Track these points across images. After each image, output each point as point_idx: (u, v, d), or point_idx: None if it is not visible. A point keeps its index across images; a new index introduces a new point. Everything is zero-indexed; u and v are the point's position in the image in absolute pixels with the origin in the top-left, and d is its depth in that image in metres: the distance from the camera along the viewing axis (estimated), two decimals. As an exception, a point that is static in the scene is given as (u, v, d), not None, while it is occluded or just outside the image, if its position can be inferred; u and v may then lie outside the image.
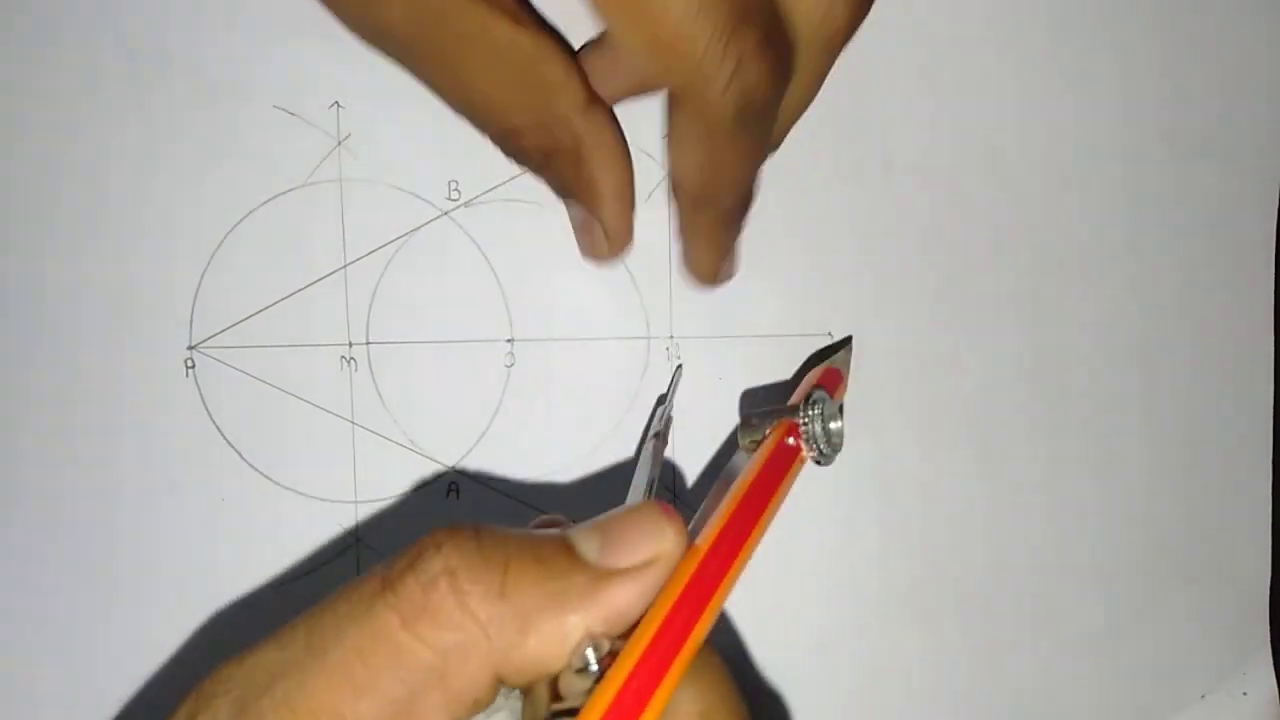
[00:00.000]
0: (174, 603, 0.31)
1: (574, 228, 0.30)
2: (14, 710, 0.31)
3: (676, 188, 0.27)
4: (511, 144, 0.28)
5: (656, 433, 0.29)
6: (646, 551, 0.18)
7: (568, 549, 0.19)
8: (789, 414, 0.25)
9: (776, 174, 0.31)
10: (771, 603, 0.32)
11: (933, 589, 0.32)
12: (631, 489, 0.26)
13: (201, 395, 0.31)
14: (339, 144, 0.30)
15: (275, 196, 0.31)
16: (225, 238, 0.31)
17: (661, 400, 0.31)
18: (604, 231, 0.29)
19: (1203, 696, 0.33)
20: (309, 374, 0.31)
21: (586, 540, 0.19)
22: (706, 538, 0.19)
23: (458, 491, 0.31)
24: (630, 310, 0.31)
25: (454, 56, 0.25)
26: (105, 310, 0.31)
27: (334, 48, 0.29)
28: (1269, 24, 0.32)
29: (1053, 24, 0.32)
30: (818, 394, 0.25)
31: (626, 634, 0.18)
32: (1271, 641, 0.33)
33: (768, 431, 0.25)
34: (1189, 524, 0.33)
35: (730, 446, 0.32)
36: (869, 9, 0.25)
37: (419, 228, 0.31)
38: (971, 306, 0.32)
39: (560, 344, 0.31)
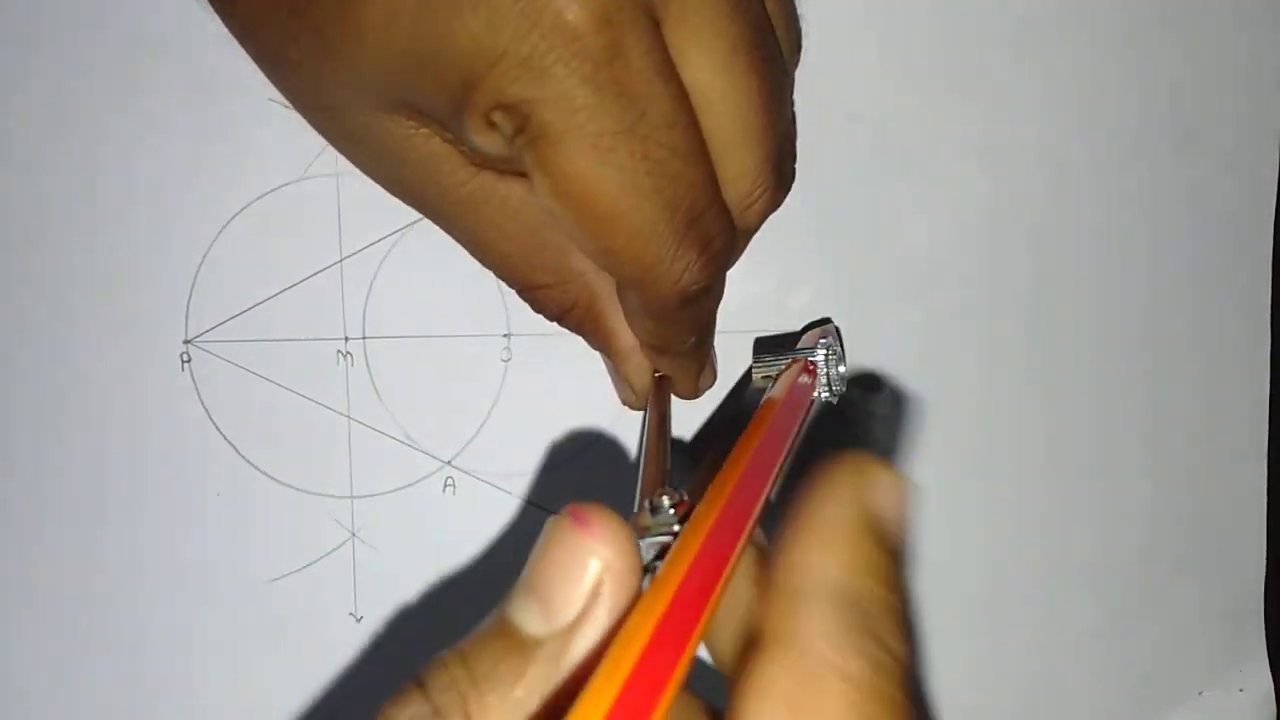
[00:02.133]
0: (168, 597, 0.31)
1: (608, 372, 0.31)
2: (5, 703, 0.31)
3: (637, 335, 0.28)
4: (531, 300, 0.28)
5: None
6: (583, 586, 0.16)
7: (510, 641, 0.16)
8: (804, 353, 0.27)
9: (774, 169, 0.31)
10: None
11: (930, 587, 0.32)
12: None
13: (197, 389, 0.31)
14: (335, 138, 0.30)
15: (271, 190, 0.30)
16: (221, 232, 0.31)
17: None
18: (628, 385, 0.29)
19: (1199, 693, 0.33)
20: (305, 368, 0.31)
21: (524, 611, 0.16)
22: (733, 475, 0.18)
23: (454, 487, 0.31)
24: (627, 305, 0.31)
25: (467, 221, 0.26)
26: (100, 304, 0.31)
27: (330, 41, 0.29)
28: (1268, 18, 0.32)
29: (1050, 20, 0.32)
30: (828, 339, 0.27)
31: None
32: (1267, 638, 0.33)
33: (783, 367, 0.27)
34: (1185, 521, 0.33)
35: (731, 435, 0.32)
36: (788, 191, 0.26)
37: (416, 222, 0.31)
38: (967, 302, 0.32)
39: (557, 339, 0.31)
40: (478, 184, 0.25)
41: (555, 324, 0.28)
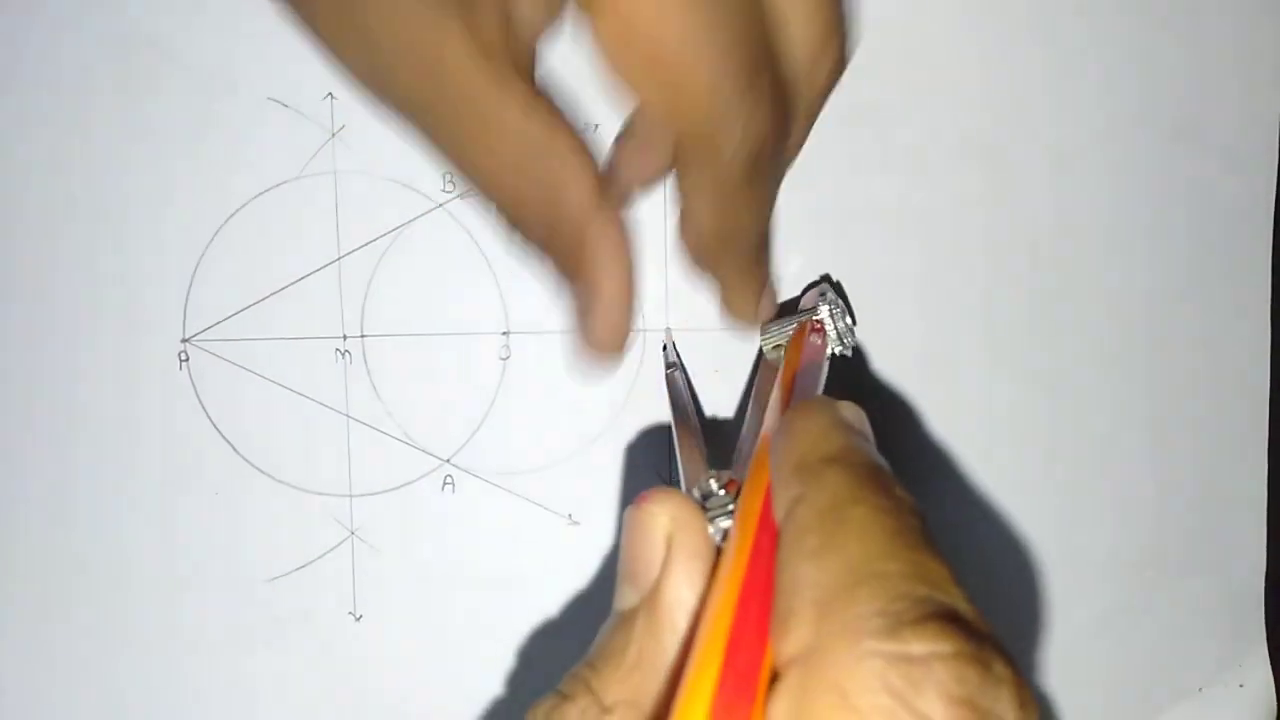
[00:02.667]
0: (166, 596, 0.31)
1: (570, 317, 0.28)
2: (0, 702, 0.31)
3: (691, 243, 0.26)
4: (512, 226, 0.26)
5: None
6: (656, 544, 0.18)
7: (615, 623, 0.18)
8: (809, 314, 0.27)
9: (773, 166, 0.31)
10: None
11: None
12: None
13: (195, 388, 0.31)
14: (333, 136, 0.30)
15: (269, 189, 0.30)
16: (219, 230, 0.31)
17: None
18: (594, 337, 0.26)
19: (1199, 689, 0.33)
20: (303, 367, 0.31)
21: (620, 595, 0.19)
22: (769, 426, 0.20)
23: (453, 485, 0.31)
24: (626, 303, 0.31)
25: (459, 135, 0.23)
26: (98, 303, 0.31)
27: (327, 38, 0.29)
28: (1266, 10, 0.32)
29: (1049, 15, 0.31)
30: (829, 295, 0.27)
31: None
32: (1268, 634, 0.33)
33: (790, 332, 0.27)
34: (1186, 517, 0.33)
35: (729, 438, 0.32)
36: (847, 62, 0.25)
37: (414, 220, 0.31)
38: (967, 300, 0.32)
39: (556, 336, 0.31)
40: (484, 100, 0.22)
41: (554, 326, 0.28)
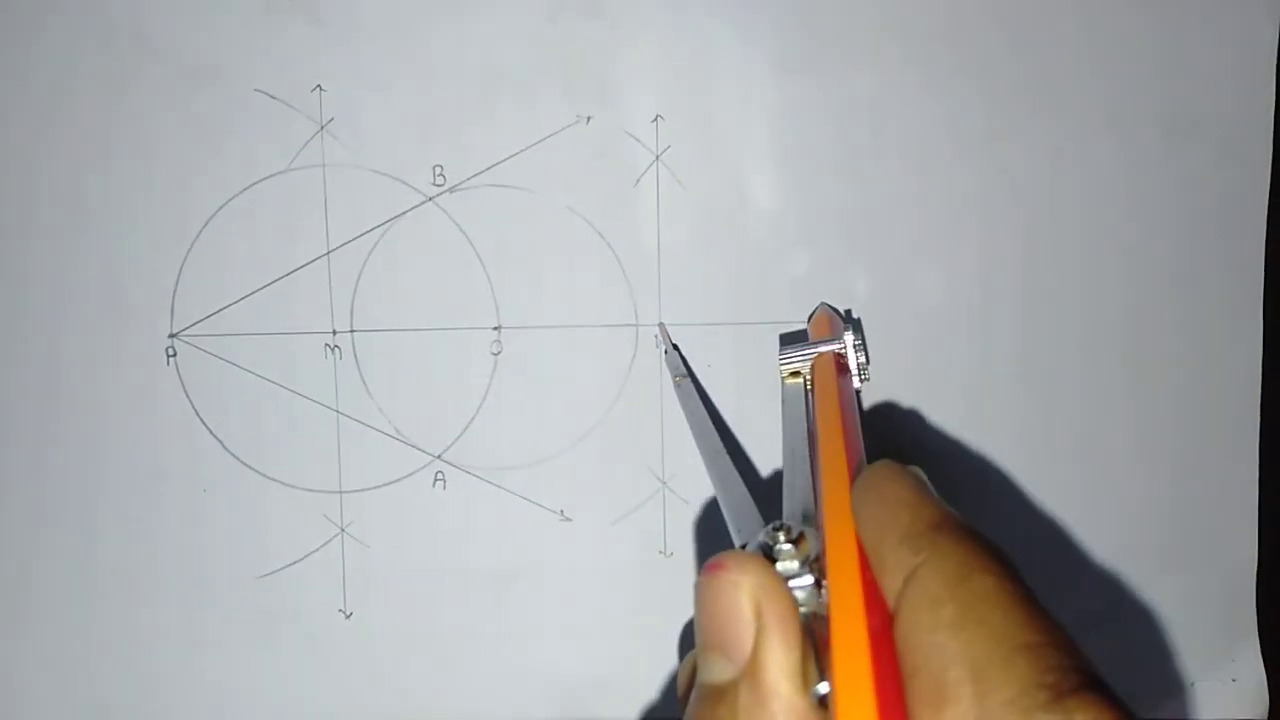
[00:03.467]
0: (155, 594, 0.31)
1: None
2: (-6, 704, 0.31)
3: None
4: None
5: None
6: (746, 615, 0.17)
7: (713, 698, 0.18)
8: (828, 343, 0.27)
9: (769, 164, 0.31)
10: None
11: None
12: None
13: (183, 384, 0.30)
14: (322, 128, 0.30)
15: (257, 182, 0.30)
16: (206, 224, 0.30)
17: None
18: None
19: (1192, 684, 0.33)
20: (292, 362, 0.31)
21: (710, 667, 0.18)
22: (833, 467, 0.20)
23: (444, 481, 0.31)
24: (619, 297, 0.31)
25: None
26: (85, 299, 0.30)
27: (316, 30, 0.28)
28: (1262, 15, 0.32)
29: (1041, 10, 0.31)
30: (845, 326, 0.28)
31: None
32: (1259, 629, 0.33)
33: (809, 356, 0.27)
34: (1177, 512, 0.33)
35: (729, 433, 0.31)
36: None
37: (404, 213, 0.30)
38: (960, 295, 0.32)
39: (548, 331, 0.31)
40: None
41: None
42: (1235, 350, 0.32)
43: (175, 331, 0.30)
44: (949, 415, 0.32)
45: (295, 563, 0.31)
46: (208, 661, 0.31)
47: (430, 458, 0.31)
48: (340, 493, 0.31)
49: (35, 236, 0.30)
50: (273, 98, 0.30)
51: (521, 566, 0.31)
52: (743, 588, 0.17)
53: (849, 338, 0.27)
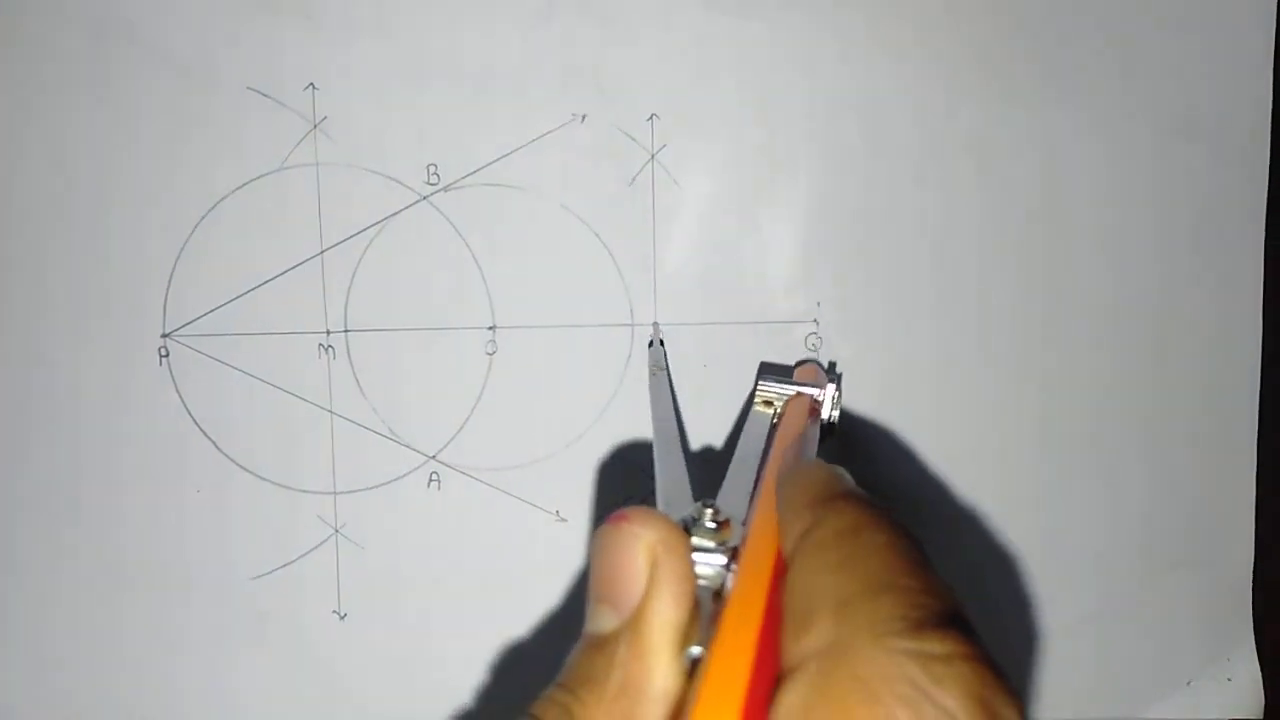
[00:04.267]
0: (148, 595, 0.31)
1: None
2: (-15, 706, 0.31)
3: None
4: None
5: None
6: (639, 566, 0.17)
7: (592, 646, 0.17)
8: (809, 387, 0.28)
9: (767, 161, 0.31)
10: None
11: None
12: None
13: (175, 384, 0.30)
14: (315, 127, 0.30)
15: (249, 181, 0.30)
16: (199, 223, 0.30)
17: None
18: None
19: (1188, 683, 0.33)
20: (286, 362, 0.30)
21: (595, 616, 0.18)
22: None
23: (439, 482, 0.31)
24: (614, 297, 0.31)
25: None
26: (76, 299, 0.30)
27: (309, 27, 0.28)
28: (1258, 13, 0.32)
29: (1042, 12, 0.31)
30: (830, 379, 0.29)
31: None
32: (1255, 628, 0.33)
33: (787, 395, 0.28)
34: (1174, 512, 0.33)
35: (711, 459, 0.31)
36: None
37: (398, 212, 0.30)
38: (960, 297, 0.32)
39: (543, 331, 0.31)
40: None
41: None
42: (1233, 350, 0.32)
43: (168, 331, 0.30)
44: (946, 415, 0.32)
45: (289, 564, 0.31)
46: (201, 662, 0.31)
47: (425, 458, 0.31)
48: (334, 494, 0.31)
49: (26, 236, 0.30)
50: (265, 96, 0.30)
51: (516, 567, 0.31)
52: (641, 540, 0.17)
53: (830, 390, 0.28)
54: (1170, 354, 0.32)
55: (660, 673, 0.17)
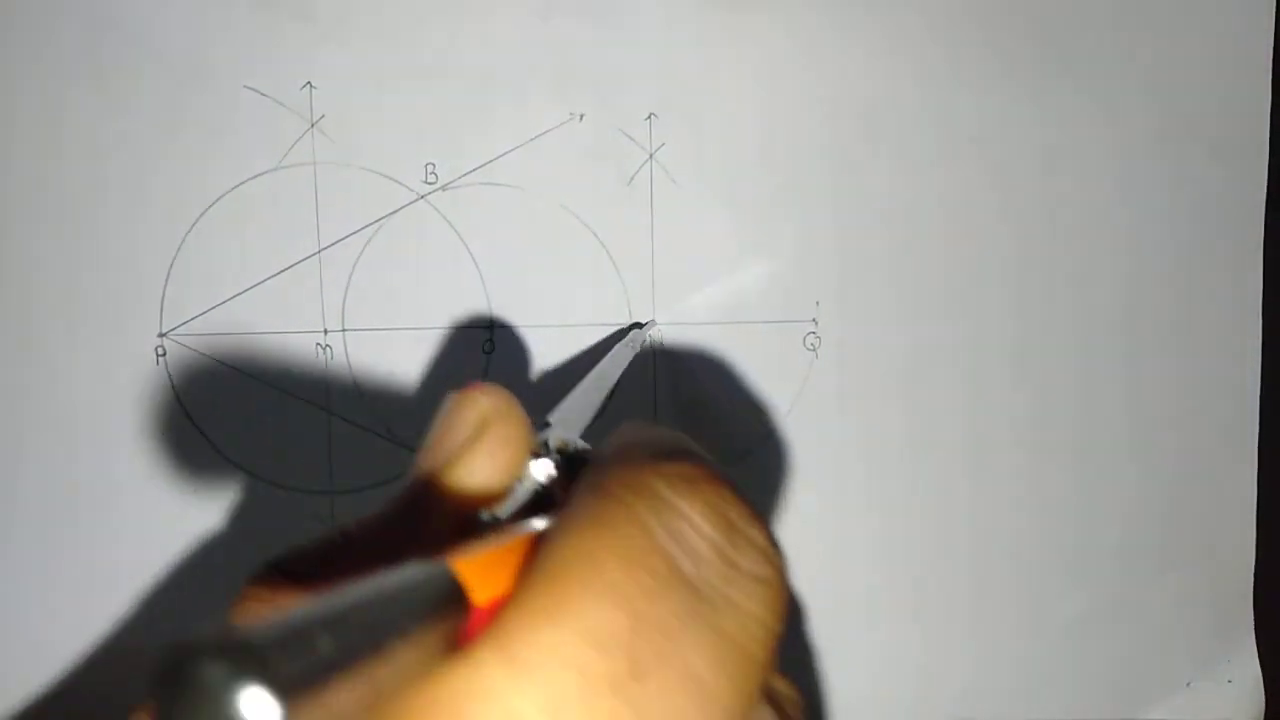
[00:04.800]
0: (144, 595, 0.31)
1: None
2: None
3: None
4: None
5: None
6: (470, 422, 0.18)
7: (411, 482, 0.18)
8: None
9: (764, 160, 0.31)
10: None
11: (920, 578, 0.32)
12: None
13: (173, 383, 0.30)
14: (312, 126, 0.30)
15: (247, 180, 0.30)
16: (196, 222, 0.30)
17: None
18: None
19: (1188, 684, 0.33)
20: (283, 361, 0.30)
21: (418, 464, 0.18)
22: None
23: (436, 481, 0.31)
24: (612, 296, 0.31)
25: None
26: (72, 297, 0.30)
27: (307, 26, 0.28)
28: (1257, 11, 0.32)
29: (1038, 11, 0.31)
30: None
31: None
32: (1256, 630, 0.33)
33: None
34: (1175, 512, 0.32)
35: (717, 427, 0.31)
36: None
37: (395, 211, 0.30)
38: (956, 295, 0.32)
39: (541, 330, 0.31)
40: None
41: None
42: (1233, 349, 0.32)
43: (165, 331, 0.30)
44: (945, 414, 0.32)
45: (286, 564, 0.31)
46: (198, 663, 0.31)
47: (422, 458, 0.31)
48: (332, 493, 0.31)
49: (21, 236, 0.30)
50: (263, 95, 0.30)
51: (514, 567, 0.31)
52: (480, 403, 0.18)
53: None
54: (1168, 354, 0.32)
55: (451, 511, 0.17)
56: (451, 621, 0.13)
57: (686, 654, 0.13)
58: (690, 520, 0.14)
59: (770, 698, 0.16)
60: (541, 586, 0.13)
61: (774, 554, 0.15)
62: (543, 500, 0.18)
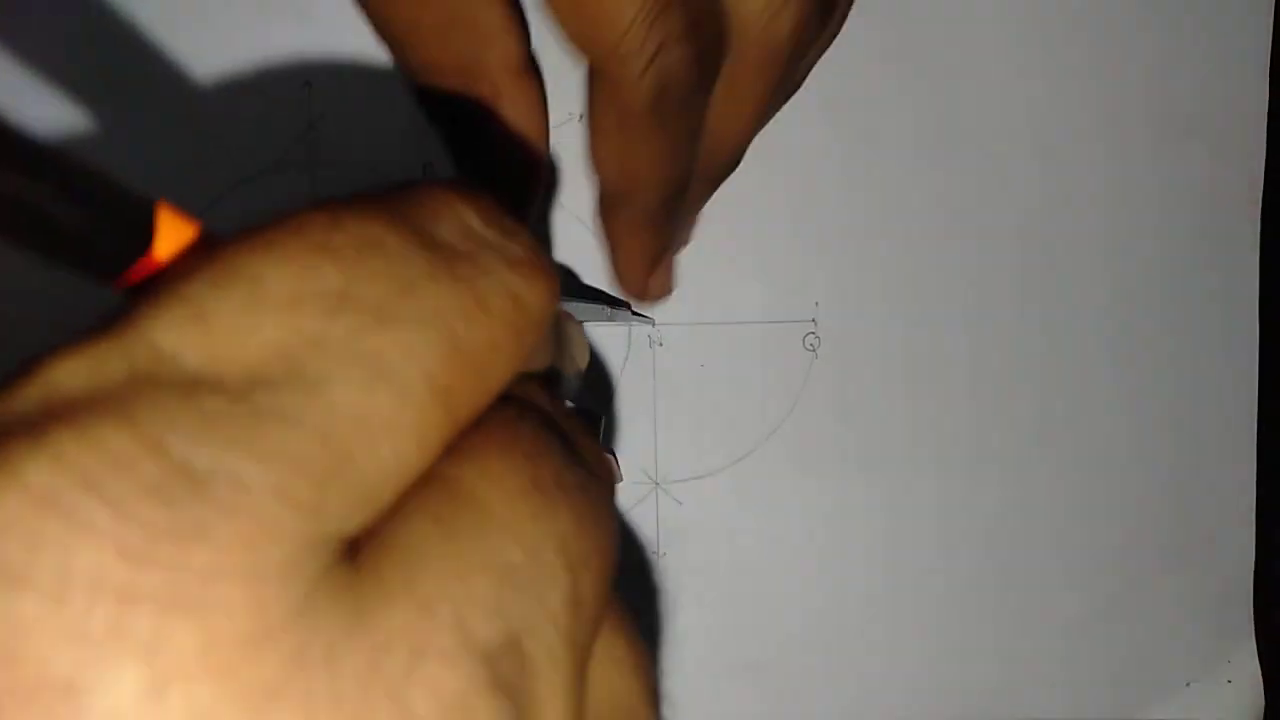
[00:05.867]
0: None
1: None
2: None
3: (595, 182, 0.25)
4: (425, 83, 0.24)
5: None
6: None
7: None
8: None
9: (764, 160, 0.31)
10: (758, 595, 0.31)
11: (920, 578, 0.32)
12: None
13: (171, 385, 0.30)
14: (310, 126, 0.30)
15: (243, 181, 0.30)
16: (194, 222, 0.30)
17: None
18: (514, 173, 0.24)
19: (1187, 684, 0.33)
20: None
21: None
22: None
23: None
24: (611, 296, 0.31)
25: None
26: (69, 298, 0.30)
27: (304, 25, 0.28)
28: (1256, 11, 0.31)
29: (1034, 7, 0.31)
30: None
31: None
32: (1256, 629, 0.33)
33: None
34: (1174, 510, 0.32)
35: (716, 429, 0.31)
36: (825, 27, 0.23)
37: (394, 212, 0.30)
38: (954, 294, 0.32)
39: (540, 331, 0.31)
40: None
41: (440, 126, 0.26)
42: (1232, 349, 0.32)
43: (163, 331, 0.30)
44: (944, 414, 0.32)
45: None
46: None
47: (421, 459, 0.31)
48: (330, 494, 0.31)
49: (20, 235, 0.30)
50: (263, 95, 0.30)
51: (514, 568, 0.31)
52: None
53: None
54: (1167, 354, 0.32)
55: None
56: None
57: (424, 300, 0.12)
58: (444, 200, 0.13)
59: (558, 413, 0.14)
60: (236, 241, 0.12)
61: (533, 246, 0.13)
62: None
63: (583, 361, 0.22)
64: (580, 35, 0.20)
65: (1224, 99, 0.32)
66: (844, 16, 0.24)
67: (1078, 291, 0.32)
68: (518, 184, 0.24)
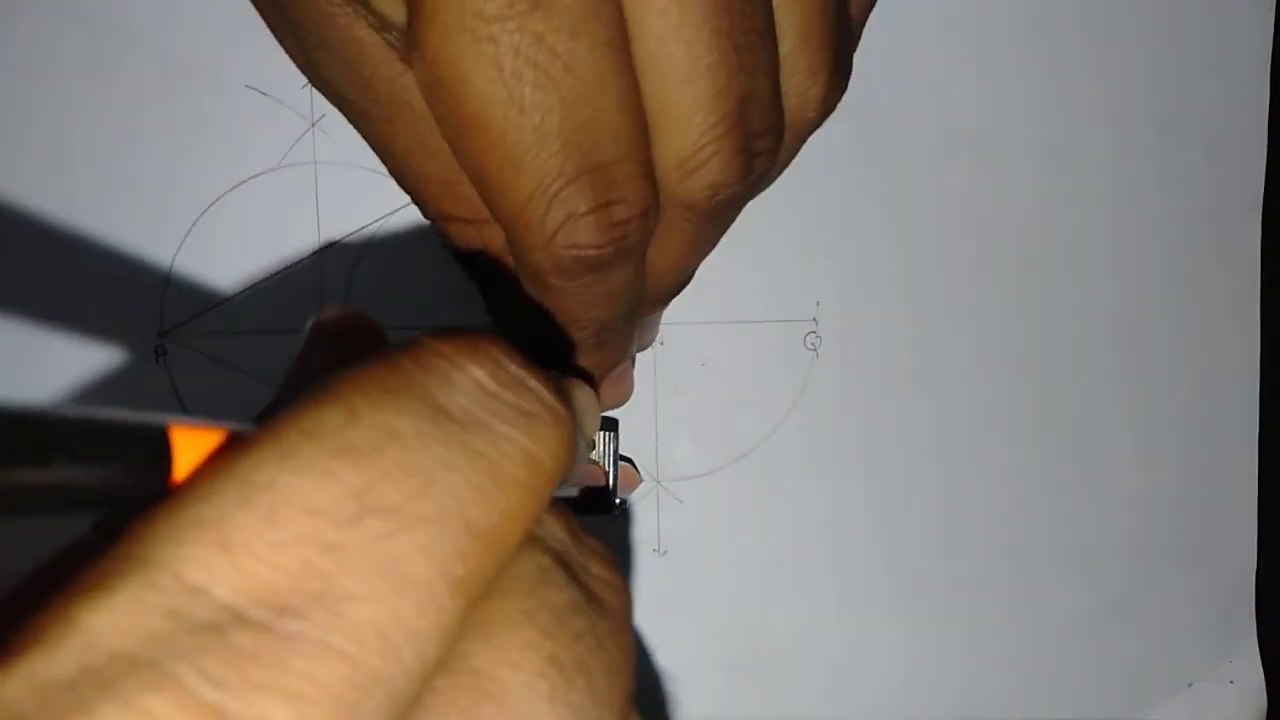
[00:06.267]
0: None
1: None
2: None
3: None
4: (444, 233, 0.23)
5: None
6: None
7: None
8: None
9: (761, 157, 0.31)
10: (757, 594, 0.31)
11: (919, 576, 0.32)
12: None
13: (173, 384, 0.30)
14: (313, 125, 0.30)
15: (247, 179, 0.30)
16: (196, 222, 0.30)
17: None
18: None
19: (1189, 685, 0.33)
20: (285, 362, 0.30)
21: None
22: None
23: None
24: (612, 296, 0.31)
25: (386, 126, 0.21)
26: (72, 297, 0.30)
27: (306, 26, 0.28)
28: (1256, 11, 0.31)
29: (1036, 12, 0.31)
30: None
31: None
32: (1258, 630, 0.33)
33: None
34: (1176, 511, 0.32)
35: (716, 428, 0.31)
36: (764, 174, 0.21)
37: (397, 210, 0.30)
38: (955, 294, 0.32)
39: (541, 330, 0.31)
40: (402, 84, 0.20)
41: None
42: (1233, 348, 0.32)
43: (165, 330, 0.30)
44: (945, 414, 0.32)
45: (286, 563, 0.31)
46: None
47: (422, 457, 0.31)
48: (332, 493, 0.31)
49: (21, 235, 0.30)
50: (263, 94, 0.30)
51: (514, 567, 0.31)
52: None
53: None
54: (1168, 353, 0.32)
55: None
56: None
57: (441, 493, 0.12)
58: (453, 360, 0.13)
59: (565, 554, 0.14)
60: (261, 431, 0.12)
61: (545, 392, 0.13)
62: None
63: (592, 432, 0.21)
64: (477, 185, 0.19)
65: (1224, 99, 0.32)
66: (788, 162, 0.22)
67: (1078, 292, 0.32)
68: (548, 326, 0.23)
